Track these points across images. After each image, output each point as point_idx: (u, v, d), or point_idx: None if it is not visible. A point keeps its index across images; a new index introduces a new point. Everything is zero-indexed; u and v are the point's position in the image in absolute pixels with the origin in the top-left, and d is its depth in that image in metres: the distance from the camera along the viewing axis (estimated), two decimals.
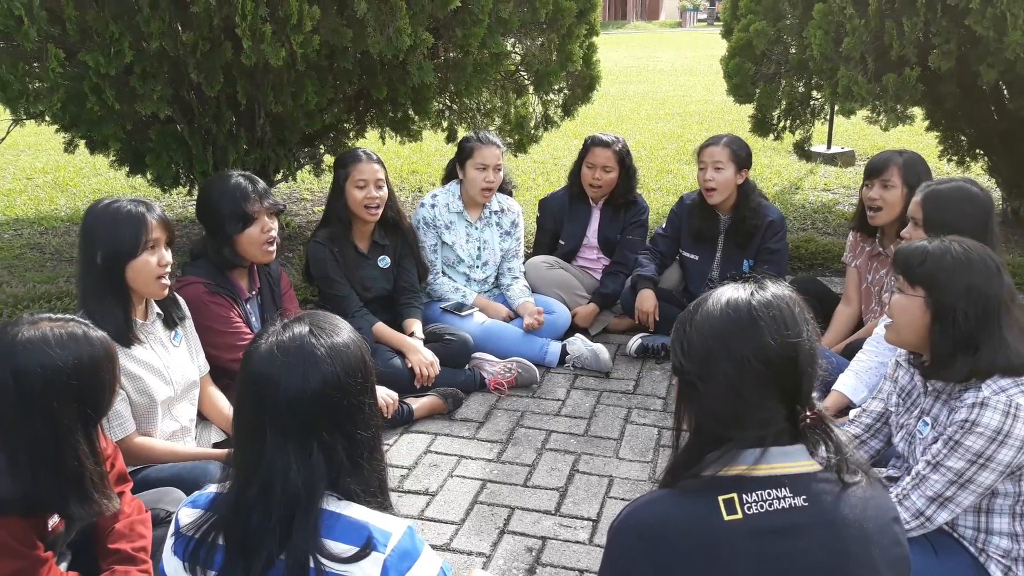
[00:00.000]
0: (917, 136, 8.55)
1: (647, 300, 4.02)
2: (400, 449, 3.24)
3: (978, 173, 6.60)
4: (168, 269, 2.57)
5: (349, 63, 4.47)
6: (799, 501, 1.42)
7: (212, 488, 1.54)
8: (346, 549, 1.40)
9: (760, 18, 5.64)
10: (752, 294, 1.48)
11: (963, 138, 6.19)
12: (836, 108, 6.86)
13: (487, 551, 2.62)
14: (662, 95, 14.30)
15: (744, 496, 1.41)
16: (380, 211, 3.71)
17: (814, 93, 6.07)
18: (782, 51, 5.77)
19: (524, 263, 4.36)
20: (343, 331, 1.53)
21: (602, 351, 3.86)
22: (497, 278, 4.30)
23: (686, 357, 1.50)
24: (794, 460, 1.45)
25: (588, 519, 2.77)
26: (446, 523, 2.76)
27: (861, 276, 3.61)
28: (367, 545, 1.40)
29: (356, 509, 1.44)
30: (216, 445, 2.83)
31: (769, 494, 1.42)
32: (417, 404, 3.43)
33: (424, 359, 3.55)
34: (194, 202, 6.62)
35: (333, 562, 1.39)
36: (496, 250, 4.21)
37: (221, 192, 3.03)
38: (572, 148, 9.27)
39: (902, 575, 1.48)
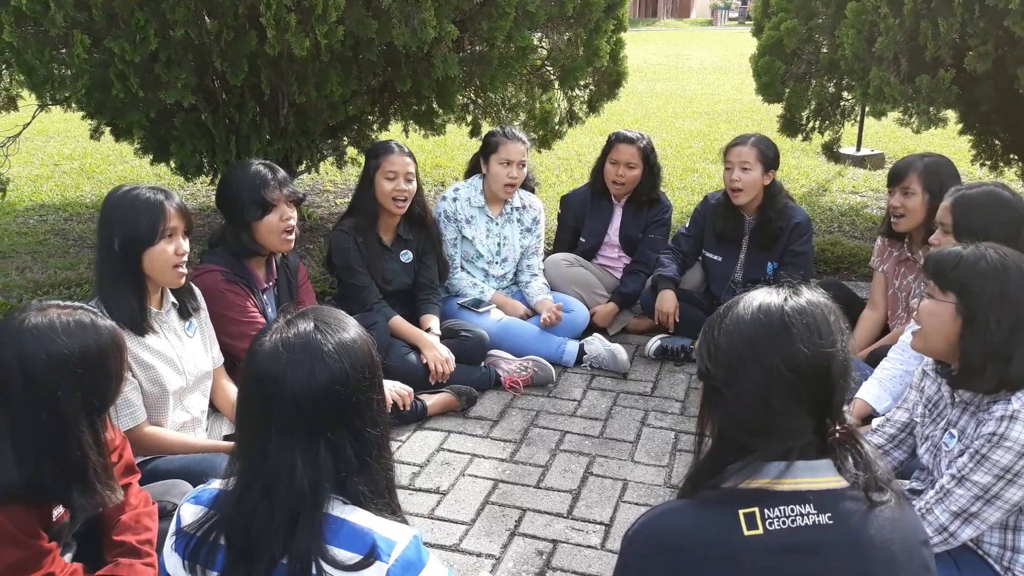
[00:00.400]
0: (950, 140, 8.39)
1: (667, 301, 3.96)
2: (412, 446, 3.20)
3: (1011, 179, 6.45)
4: (185, 258, 2.56)
5: (374, 54, 4.44)
6: (823, 519, 1.36)
7: (216, 484, 1.51)
8: (349, 557, 1.36)
9: (791, 16, 5.54)
10: (786, 299, 1.43)
11: (997, 142, 6.05)
12: (867, 109, 6.75)
13: (497, 553, 2.58)
14: (690, 93, 14.17)
15: (766, 511, 1.36)
16: (407, 204, 3.69)
17: (844, 94, 5.95)
18: (813, 50, 5.66)
19: (544, 260, 4.31)
20: (349, 326, 1.50)
21: (620, 352, 3.80)
22: (516, 275, 4.25)
23: (712, 361, 1.45)
24: (820, 475, 1.39)
25: (601, 523, 2.72)
26: (456, 523, 2.72)
27: (888, 281, 3.52)
28: (371, 554, 1.36)
29: (361, 515, 1.40)
30: (227, 437, 2.81)
31: (792, 510, 1.36)
32: (431, 401, 3.40)
33: (440, 355, 3.52)
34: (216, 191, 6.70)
35: (336, 569, 1.35)
36: (516, 247, 4.17)
37: (241, 179, 3.03)
38: (597, 145, 9.16)
39: None
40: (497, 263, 4.15)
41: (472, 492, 2.89)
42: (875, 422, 2.53)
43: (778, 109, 6.20)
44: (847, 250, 5.30)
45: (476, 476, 3.00)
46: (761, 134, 3.92)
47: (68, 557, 1.99)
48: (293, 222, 3.07)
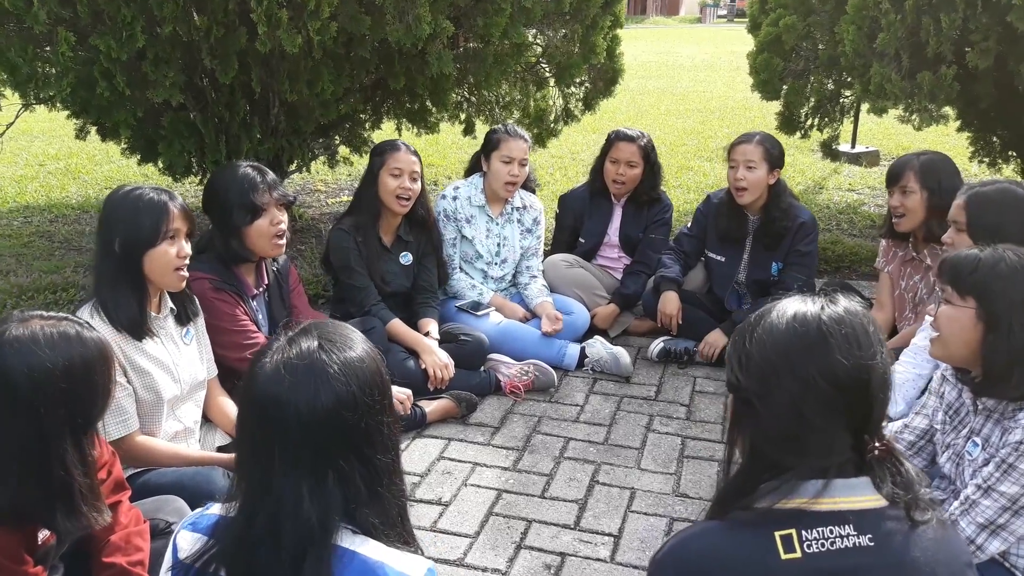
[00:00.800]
0: (947, 136, 8.36)
1: (670, 302, 3.87)
2: (412, 455, 3.11)
3: (1010, 175, 6.41)
4: (187, 261, 2.48)
5: (367, 51, 4.35)
6: (864, 540, 1.28)
7: (215, 509, 1.41)
8: None
9: (790, 12, 5.47)
10: (822, 308, 1.35)
11: (995, 139, 6.00)
12: (865, 107, 6.70)
13: (503, 567, 2.48)
14: (682, 90, 14.11)
15: (804, 532, 1.28)
16: (411, 204, 3.60)
17: (844, 91, 5.89)
18: (811, 47, 5.60)
19: (543, 261, 4.22)
20: (355, 343, 1.38)
21: (623, 355, 3.72)
22: (514, 276, 4.16)
23: (744, 372, 1.36)
24: (859, 494, 1.31)
25: (609, 535, 2.63)
26: (460, 536, 2.63)
27: (894, 282, 3.45)
28: None
29: (372, 546, 1.30)
30: (221, 448, 2.71)
31: (831, 531, 1.28)
32: (430, 407, 3.30)
33: (439, 360, 3.43)
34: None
35: None
36: (516, 247, 4.07)
37: (229, 182, 2.92)
38: (591, 143, 9.13)
39: None
40: (496, 264, 4.06)
41: (475, 503, 2.80)
42: (892, 427, 2.46)
43: (772, 106, 6.15)
44: (848, 249, 5.23)
45: (479, 486, 2.90)
46: (766, 132, 3.84)
47: None
48: (284, 226, 2.97)
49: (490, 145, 3.94)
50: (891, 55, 4.82)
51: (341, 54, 4.43)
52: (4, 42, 3.71)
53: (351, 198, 6.77)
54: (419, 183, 3.63)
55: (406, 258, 3.76)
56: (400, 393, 3.19)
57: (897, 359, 2.91)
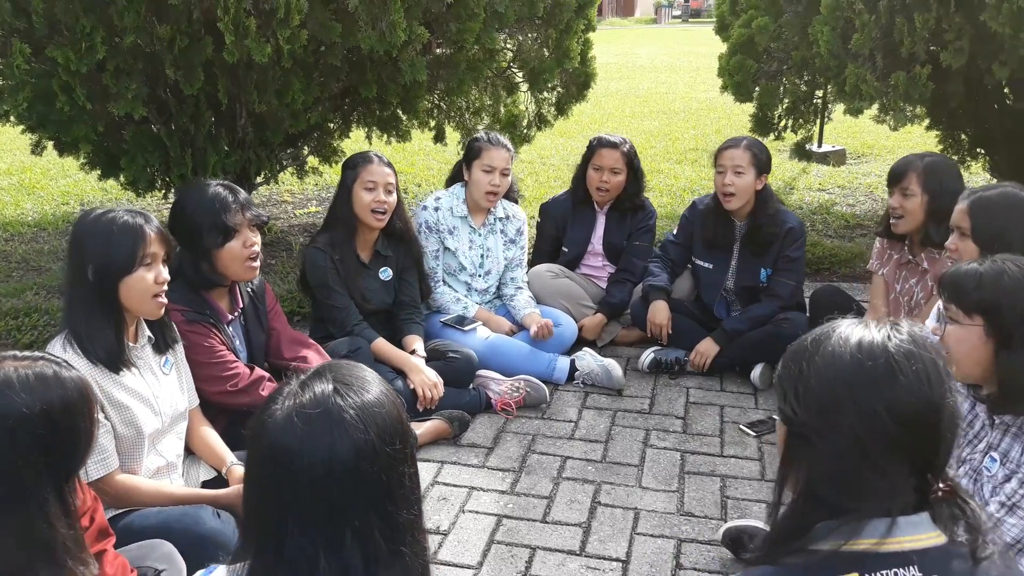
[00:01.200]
0: (912, 135, 8.45)
1: (660, 312, 3.80)
2: None
3: (977, 172, 6.48)
4: (165, 287, 2.32)
5: (337, 59, 4.21)
6: None
7: (221, 572, 1.28)
8: None
9: (762, 13, 5.45)
10: (889, 337, 1.25)
11: (963, 136, 6.05)
12: (835, 107, 6.71)
13: None
14: (644, 92, 14.12)
15: None
16: (387, 217, 3.46)
17: (817, 92, 5.89)
18: (783, 48, 5.58)
19: (527, 272, 4.12)
20: (371, 384, 1.25)
21: (614, 367, 3.63)
22: (499, 288, 4.05)
23: (801, 405, 1.27)
24: (922, 532, 1.23)
25: (617, 559, 2.54)
26: (462, 567, 2.51)
27: (889, 286, 3.41)
28: None
29: None
30: (205, 483, 2.56)
31: (896, 574, 1.20)
32: (421, 429, 3.17)
33: (427, 380, 3.30)
34: (168, 206, 6.36)
35: None
36: (500, 258, 3.97)
37: (198, 203, 2.75)
38: (560, 147, 9.06)
39: None
40: (480, 276, 3.95)
41: (475, 531, 2.68)
42: None
43: (735, 107, 6.13)
44: (827, 251, 5.21)
45: (477, 512, 2.79)
46: (752, 137, 3.78)
47: None
48: (257, 248, 2.82)
49: (471, 154, 3.83)
50: (865, 55, 4.82)
51: (311, 62, 4.29)
52: None
53: (319, 208, 6.66)
54: (394, 195, 3.50)
55: (386, 273, 3.63)
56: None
57: None
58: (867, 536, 1.21)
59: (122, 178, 4.65)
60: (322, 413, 1.19)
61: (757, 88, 5.67)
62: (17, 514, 1.55)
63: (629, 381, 3.71)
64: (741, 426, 3.33)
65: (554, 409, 3.50)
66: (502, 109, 5.92)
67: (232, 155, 4.59)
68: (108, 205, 2.73)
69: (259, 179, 5.25)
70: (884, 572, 1.20)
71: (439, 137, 5.87)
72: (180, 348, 2.57)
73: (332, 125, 5.42)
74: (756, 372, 3.63)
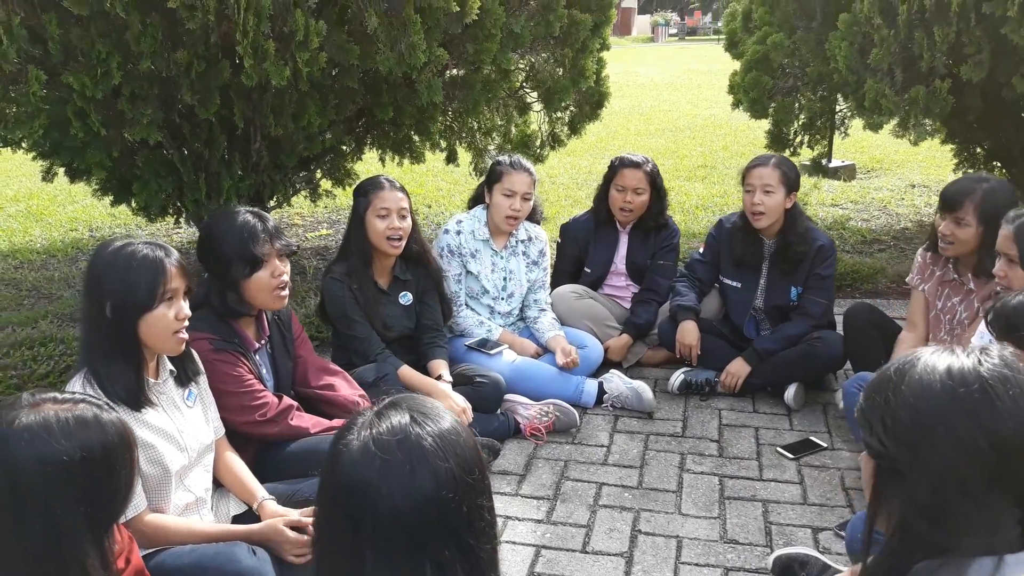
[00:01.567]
0: (926, 148, 8.40)
1: (689, 333, 3.72)
2: None
3: None
4: (186, 323, 2.24)
5: (354, 81, 4.17)
6: None
7: None
8: None
9: (776, 30, 5.42)
10: (980, 362, 1.19)
11: (979, 150, 6.02)
12: (851, 122, 6.67)
13: None
14: (648, 110, 14.13)
15: None
16: (403, 243, 3.39)
17: (834, 107, 5.85)
18: (798, 64, 5.55)
19: (549, 293, 4.05)
20: (444, 415, 1.22)
21: (644, 390, 3.55)
22: (522, 311, 3.98)
23: (890, 437, 1.20)
24: None
25: None
26: None
27: (930, 302, 3.30)
28: None
29: None
30: (236, 518, 2.48)
31: None
32: None
33: (455, 406, 3.22)
34: (180, 232, 6.30)
35: None
36: (523, 281, 3.90)
37: (226, 231, 2.68)
38: (569, 166, 9.02)
39: None
40: (503, 299, 3.88)
41: (514, 563, 2.59)
42: None
43: (742, 123, 6.11)
44: (849, 267, 5.14)
45: (515, 543, 2.70)
46: (781, 155, 3.73)
47: None
48: (286, 277, 2.75)
49: (492, 177, 3.78)
50: (884, 70, 4.78)
51: (327, 85, 4.25)
52: None
53: (330, 231, 6.60)
54: (408, 219, 3.43)
55: (406, 298, 3.56)
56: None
57: None
58: None
59: (134, 203, 4.59)
60: (401, 442, 1.14)
61: (773, 104, 5.62)
62: (53, 565, 1.47)
63: (659, 403, 3.63)
64: (779, 448, 3.25)
65: (584, 433, 3.42)
66: (513, 129, 5.88)
67: (246, 179, 4.53)
68: (125, 236, 2.65)
69: (272, 203, 5.19)
70: None
71: (451, 158, 5.82)
72: (204, 379, 2.49)
73: (346, 148, 5.37)
74: (790, 392, 3.56)
